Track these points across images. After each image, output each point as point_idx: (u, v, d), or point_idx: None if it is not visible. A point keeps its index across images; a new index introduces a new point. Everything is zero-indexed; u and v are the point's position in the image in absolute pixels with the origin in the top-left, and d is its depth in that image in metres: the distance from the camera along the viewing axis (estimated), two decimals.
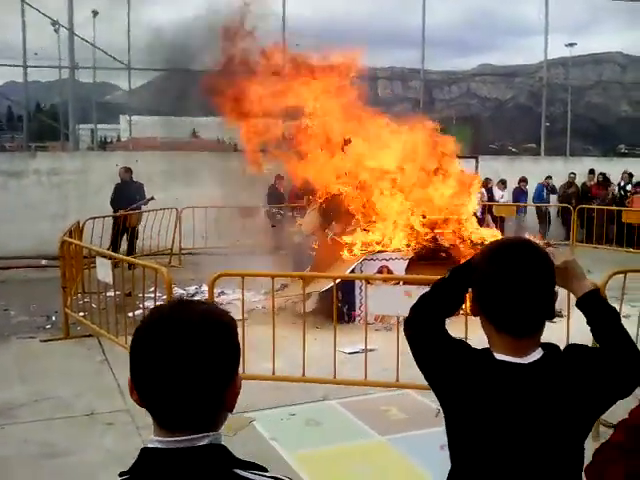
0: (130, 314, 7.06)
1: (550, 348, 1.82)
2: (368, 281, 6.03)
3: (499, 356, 1.77)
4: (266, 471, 1.39)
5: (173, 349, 1.31)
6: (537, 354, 1.78)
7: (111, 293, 7.86)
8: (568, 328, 5.54)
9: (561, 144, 22.41)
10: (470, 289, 1.91)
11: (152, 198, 13.22)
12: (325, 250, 9.18)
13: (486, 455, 1.75)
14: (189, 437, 1.33)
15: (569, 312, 5.44)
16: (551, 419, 1.73)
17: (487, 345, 1.85)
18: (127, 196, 12.94)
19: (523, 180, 17.38)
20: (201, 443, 1.34)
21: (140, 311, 7.12)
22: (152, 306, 6.85)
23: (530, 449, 1.72)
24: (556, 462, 1.76)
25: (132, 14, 18.76)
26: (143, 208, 13.37)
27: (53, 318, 8.80)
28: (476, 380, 1.76)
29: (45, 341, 7.86)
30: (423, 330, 1.96)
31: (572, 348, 1.89)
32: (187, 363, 1.31)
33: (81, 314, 8.11)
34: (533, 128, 22.34)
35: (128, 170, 13.31)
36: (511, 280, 1.74)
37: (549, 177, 17.51)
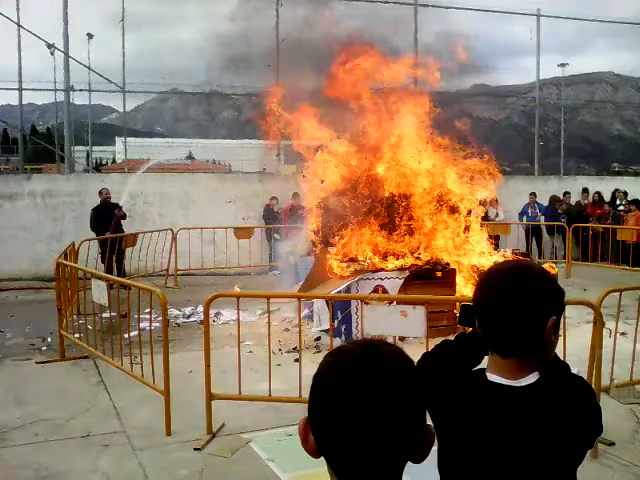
0: (126, 335, 7.03)
1: (550, 372, 1.79)
2: (364, 301, 6.02)
3: (491, 377, 1.76)
4: None
5: (368, 395, 1.19)
6: (532, 378, 1.75)
7: (107, 315, 7.85)
8: (565, 345, 5.54)
9: (555, 163, 22.54)
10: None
11: (120, 207, 13.12)
12: (319, 267, 9.18)
13: (475, 477, 1.74)
14: None
15: (565, 331, 5.45)
16: (539, 445, 1.69)
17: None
18: (105, 218, 12.93)
19: (558, 200, 17.48)
20: None
21: (135, 332, 7.10)
22: (147, 327, 6.87)
23: (523, 471, 1.69)
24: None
25: (128, 37, 18.88)
26: (143, 229, 13.41)
27: (49, 340, 8.77)
28: (467, 402, 1.76)
29: (41, 363, 7.82)
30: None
31: (573, 377, 1.86)
32: (386, 414, 1.19)
33: (77, 335, 8.08)
34: (527, 147, 22.49)
35: (108, 192, 13.33)
36: (496, 300, 1.75)
37: (533, 194, 17.56)
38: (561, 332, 5.24)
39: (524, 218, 17.51)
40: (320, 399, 1.23)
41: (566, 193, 18.03)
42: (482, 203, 16.40)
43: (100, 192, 13.36)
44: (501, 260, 8.52)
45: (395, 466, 1.24)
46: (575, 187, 18.55)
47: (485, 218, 16.61)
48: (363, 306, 5.83)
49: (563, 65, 29.57)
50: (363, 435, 1.18)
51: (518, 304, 1.74)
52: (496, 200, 17.27)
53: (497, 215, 17.23)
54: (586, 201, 18.07)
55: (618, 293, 5.95)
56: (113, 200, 13.26)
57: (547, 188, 18.23)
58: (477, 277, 9.11)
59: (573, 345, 5.99)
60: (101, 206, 13.20)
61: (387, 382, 1.21)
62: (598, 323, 5.20)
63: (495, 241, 15.50)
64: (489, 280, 1.83)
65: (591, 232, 15.90)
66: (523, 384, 1.73)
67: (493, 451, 1.70)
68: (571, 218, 16.84)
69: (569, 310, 8.74)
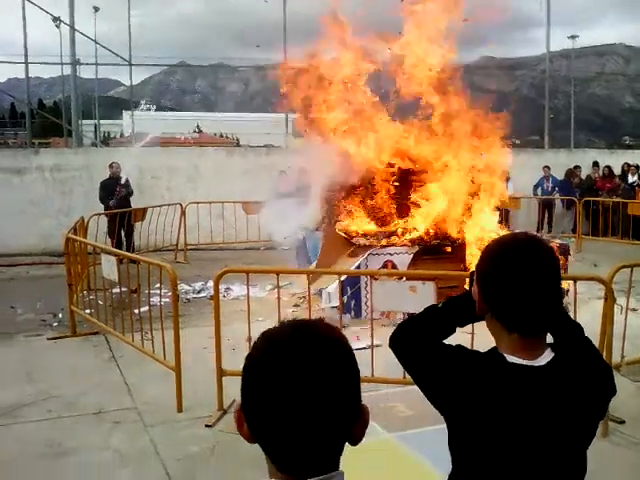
0: (136, 311, 7.04)
1: (559, 348, 1.80)
2: (373, 277, 5.99)
3: (511, 358, 1.72)
4: None
5: (300, 378, 1.16)
6: (548, 356, 1.74)
7: (117, 290, 7.86)
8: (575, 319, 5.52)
9: (565, 136, 22.37)
10: (476, 290, 1.86)
11: (127, 180, 13.16)
12: (330, 245, 9.15)
13: (500, 459, 1.72)
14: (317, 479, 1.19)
15: (576, 308, 5.42)
16: (565, 423, 1.70)
17: (493, 345, 1.83)
18: (114, 192, 12.96)
19: (571, 173, 17.34)
20: None
21: (146, 307, 7.10)
22: (158, 303, 6.88)
23: (544, 453, 1.70)
24: (567, 466, 1.75)
25: (135, 10, 18.74)
26: (152, 203, 13.43)
27: (60, 315, 8.80)
28: (488, 385, 1.72)
29: (52, 339, 7.86)
30: (412, 351, 1.91)
31: (580, 348, 1.87)
32: (316, 394, 1.16)
33: (87, 311, 8.11)
34: (537, 120, 22.29)
35: (119, 166, 13.33)
36: (520, 279, 1.70)
37: (547, 167, 17.43)
38: (572, 308, 5.21)
39: (539, 191, 17.39)
40: (250, 382, 1.21)
41: (576, 167, 17.89)
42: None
43: (110, 165, 13.34)
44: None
45: (331, 449, 1.21)
46: (585, 160, 18.41)
47: None
48: (372, 282, 5.81)
49: (573, 37, 29.26)
50: (294, 418, 1.15)
51: (547, 282, 1.72)
52: (507, 173, 17.18)
53: (508, 189, 17.12)
54: (596, 175, 17.94)
55: (629, 269, 5.91)
56: (122, 174, 13.25)
57: (557, 161, 18.08)
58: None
59: (584, 321, 5.97)
60: (110, 179, 13.18)
61: (318, 362, 1.17)
62: (609, 299, 5.16)
63: (505, 215, 15.48)
64: (508, 255, 1.75)
65: (601, 206, 15.79)
66: (542, 363, 1.72)
67: (523, 433, 1.69)
68: (582, 192, 16.74)
69: (579, 286, 8.72)
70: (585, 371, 1.77)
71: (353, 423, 1.23)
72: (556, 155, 18.99)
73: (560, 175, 17.55)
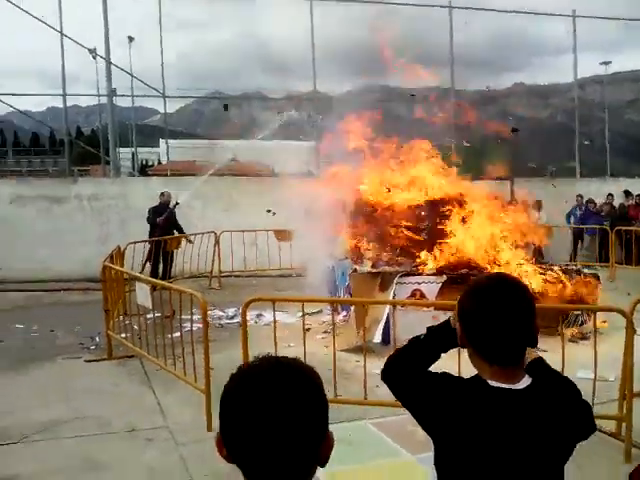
0: (169, 336, 7.29)
1: (534, 373, 1.96)
2: (395, 306, 6.18)
3: (493, 383, 1.88)
4: None
5: (270, 408, 1.28)
6: (527, 380, 1.91)
7: (151, 315, 8.13)
8: (595, 351, 5.63)
9: (602, 162, 22.25)
10: (457, 324, 2.03)
11: (177, 203, 13.56)
12: (359, 285, 9.23)
13: (484, 474, 1.86)
14: None
15: (596, 338, 5.54)
16: (544, 441, 1.85)
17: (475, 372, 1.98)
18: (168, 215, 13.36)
19: (591, 201, 17.31)
20: None
21: (178, 333, 7.35)
22: (188, 328, 7.13)
23: (525, 468, 1.84)
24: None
25: (168, 40, 19.31)
26: (187, 231, 13.79)
27: (97, 339, 9.12)
28: (473, 406, 1.86)
29: (89, 361, 8.16)
30: (401, 381, 2.09)
31: (553, 375, 2.05)
32: (284, 421, 1.28)
33: (123, 335, 8.39)
34: (573, 146, 22.20)
35: (170, 195, 13.73)
36: (496, 316, 1.86)
37: (579, 196, 17.42)
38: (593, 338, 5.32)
39: (571, 220, 17.38)
40: (226, 410, 1.34)
41: (609, 195, 17.85)
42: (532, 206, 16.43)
43: (162, 194, 13.74)
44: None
45: (302, 471, 1.34)
46: (619, 189, 18.35)
47: None
48: (396, 311, 5.99)
49: (605, 63, 29.19)
50: (266, 442, 1.28)
51: (523, 319, 1.90)
52: (539, 202, 17.19)
53: (540, 218, 17.13)
54: (629, 203, 17.87)
55: None
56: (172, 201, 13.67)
57: (589, 190, 18.07)
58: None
59: (607, 351, 6.07)
60: (160, 207, 13.57)
61: (288, 393, 1.30)
62: (629, 329, 5.27)
63: (538, 245, 15.50)
64: (488, 295, 1.91)
65: (634, 235, 15.73)
66: (522, 387, 1.88)
67: (507, 454, 1.83)
68: (614, 220, 16.69)
69: (602, 315, 8.75)
70: (562, 395, 1.94)
71: (320, 447, 1.35)
72: (588, 184, 18.96)
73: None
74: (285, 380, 1.33)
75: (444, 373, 2.02)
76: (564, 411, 1.91)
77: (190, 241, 13.62)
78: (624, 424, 5.34)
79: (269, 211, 13.98)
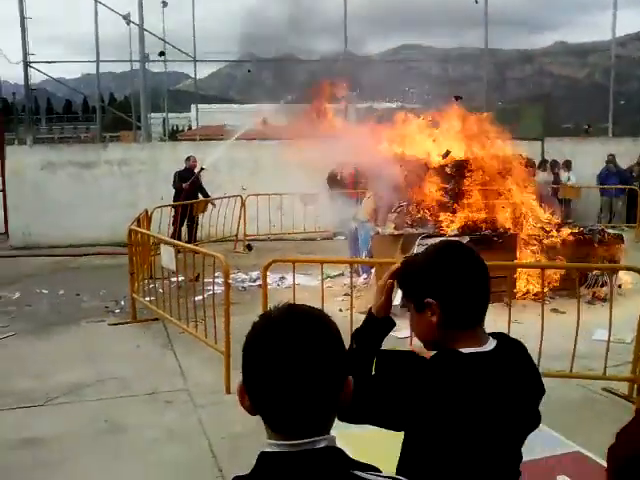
0: (194, 299, 7.38)
1: (497, 337, 1.91)
2: None
3: (466, 350, 1.82)
4: (380, 472, 1.39)
5: (289, 352, 1.31)
6: (493, 342, 1.87)
7: (176, 279, 8.23)
8: (611, 312, 5.56)
9: (638, 122, 21.72)
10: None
11: (202, 169, 13.60)
12: (381, 247, 9.21)
13: (471, 440, 1.78)
14: (307, 440, 1.33)
15: (612, 298, 5.45)
16: (521, 403, 1.83)
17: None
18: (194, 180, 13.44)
19: (610, 161, 16.93)
20: (319, 446, 1.34)
21: (200, 297, 7.43)
22: (211, 292, 7.19)
23: (504, 434, 1.81)
24: (519, 445, 1.89)
25: (200, 4, 19.19)
26: (213, 195, 13.86)
27: (122, 303, 9.25)
28: (458, 381, 1.77)
29: (113, 325, 8.30)
30: (370, 401, 1.86)
31: (508, 337, 1.98)
32: (305, 367, 1.31)
33: (147, 299, 8.51)
34: (608, 106, 21.68)
35: (195, 160, 13.78)
36: (468, 277, 1.86)
37: (611, 155, 17.02)
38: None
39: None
40: (249, 357, 1.36)
41: None
42: (552, 168, 16.18)
43: (188, 158, 13.80)
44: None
45: (322, 417, 1.37)
46: None
47: (556, 182, 16.35)
48: None
49: None
50: (288, 388, 1.31)
51: (485, 276, 1.89)
52: (568, 163, 16.92)
53: (569, 179, 16.88)
54: None
55: None
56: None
57: (620, 149, 17.64)
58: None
59: (628, 313, 5.98)
60: (186, 171, 13.65)
61: (308, 339, 1.33)
62: None
63: (565, 206, 15.28)
64: (451, 258, 1.88)
65: None
66: (491, 348, 1.85)
67: (492, 415, 1.78)
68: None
69: (626, 277, 8.62)
70: (525, 357, 1.91)
71: (339, 393, 1.37)
72: (619, 143, 18.51)
73: (620, 164, 17.17)
74: (303, 326, 1.35)
75: (413, 361, 1.90)
76: (530, 371, 1.89)
77: (214, 205, 13.67)
78: (636, 385, 5.29)
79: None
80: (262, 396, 1.35)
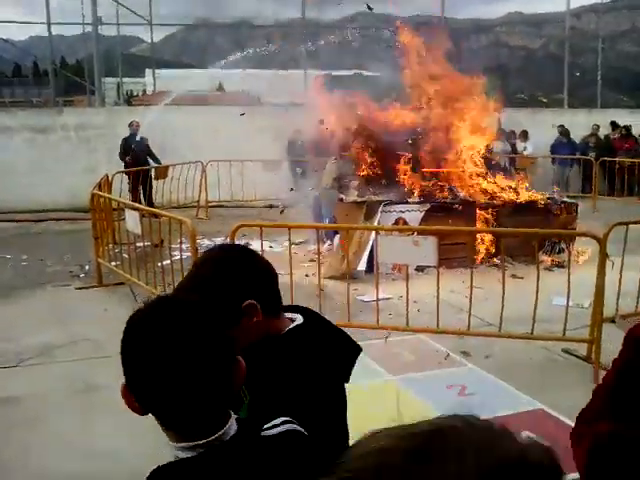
0: (159, 264, 7.45)
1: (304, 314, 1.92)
2: (378, 231, 6.35)
3: (286, 328, 1.84)
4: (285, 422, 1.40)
5: (162, 345, 1.27)
6: (300, 318, 1.88)
7: (141, 244, 8.27)
8: (569, 276, 5.84)
9: (593, 94, 22.19)
10: None
11: (142, 138, 13.68)
12: (344, 214, 9.36)
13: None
14: (213, 437, 1.30)
15: (570, 264, 5.72)
16: (340, 360, 1.88)
17: None
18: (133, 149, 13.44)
19: (562, 132, 17.32)
20: (226, 438, 1.31)
21: (168, 261, 7.50)
22: (178, 257, 7.27)
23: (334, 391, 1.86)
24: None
25: None
26: (173, 161, 13.85)
27: (87, 267, 9.25)
28: (299, 361, 1.75)
29: (80, 289, 8.32)
30: None
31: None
32: (179, 357, 1.26)
33: (113, 264, 8.54)
34: (563, 78, 22.12)
35: (138, 124, 13.74)
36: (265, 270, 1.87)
37: (561, 126, 17.45)
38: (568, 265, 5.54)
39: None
40: (123, 358, 1.33)
41: (594, 125, 17.91)
42: (509, 136, 16.53)
43: (130, 124, 13.72)
44: None
45: (214, 401, 1.32)
46: (605, 120, 18.38)
47: (514, 152, 16.71)
48: (378, 236, 6.15)
49: None
50: (166, 384, 1.26)
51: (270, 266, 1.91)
52: (525, 133, 17.28)
53: (525, 149, 17.26)
54: (615, 135, 17.96)
55: (625, 227, 6.21)
56: (144, 134, 13.62)
57: (576, 120, 18.10)
58: None
59: (584, 279, 6.28)
60: (131, 137, 13.57)
61: (174, 329, 1.29)
62: (602, 254, 5.47)
63: (521, 174, 15.65)
64: (247, 258, 1.86)
65: (617, 166, 15.89)
66: (302, 320, 1.87)
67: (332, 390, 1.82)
68: (599, 152, 16.81)
69: (583, 245, 8.97)
70: (331, 326, 1.95)
71: (231, 375, 1.33)
72: (575, 115, 18.98)
73: (575, 135, 17.62)
74: (173, 316, 1.31)
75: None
76: (339, 332, 1.94)
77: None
78: (594, 347, 5.60)
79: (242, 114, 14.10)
80: (145, 394, 1.31)
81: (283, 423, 1.40)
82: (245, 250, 1.94)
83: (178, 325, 1.29)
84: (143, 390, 1.30)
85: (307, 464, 1.32)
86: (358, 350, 1.94)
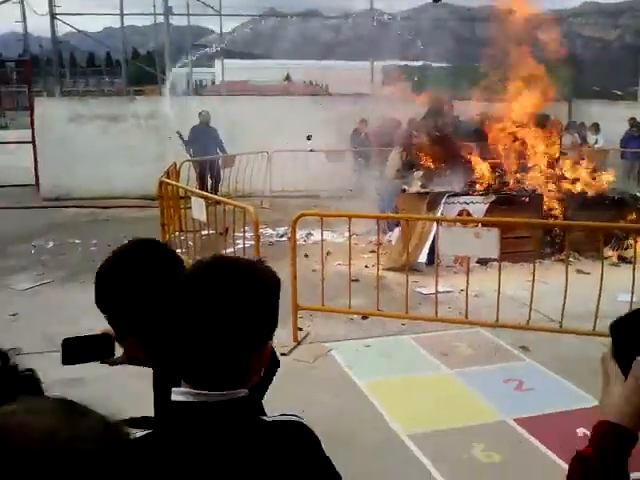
0: (223, 251, 7.55)
1: None
2: (439, 222, 6.30)
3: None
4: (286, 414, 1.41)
5: (203, 300, 1.30)
6: None
7: (206, 232, 8.41)
8: (634, 271, 5.67)
9: None
10: None
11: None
12: (406, 205, 9.29)
13: None
14: (220, 392, 1.32)
15: (635, 257, 5.53)
16: None
17: None
18: (203, 139, 13.56)
19: (634, 125, 16.73)
20: (235, 397, 1.34)
21: (231, 249, 7.61)
22: (241, 245, 7.39)
23: None
24: None
25: None
26: (240, 151, 14.01)
27: None
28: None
29: None
30: None
31: None
32: (212, 317, 1.29)
33: (178, 251, 8.68)
34: (638, 70, 21.33)
35: (207, 114, 13.89)
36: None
37: (632, 119, 16.82)
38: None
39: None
40: (171, 303, 1.35)
41: None
42: (579, 128, 16.09)
43: (200, 113, 13.91)
44: None
45: (231, 371, 1.33)
46: None
47: (584, 144, 16.26)
48: (440, 227, 6.11)
49: None
50: (196, 335, 1.31)
51: None
52: (596, 125, 16.79)
53: (596, 142, 16.77)
54: None
55: None
56: (212, 123, 13.82)
57: None
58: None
59: None
60: (199, 126, 13.78)
61: (220, 287, 1.31)
62: None
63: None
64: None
65: None
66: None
67: None
68: None
69: None
70: None
71: (250, 354, 1.34)
72: None
73: None
74: (223, 276, 1.34)
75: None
76: None
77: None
78: None
79: (309, 138, 14.07)
80: (176, 341, 1.34)
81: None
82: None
83: (220, 284, 1.32)
84: (175, 337, 1.33)
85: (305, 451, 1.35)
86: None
